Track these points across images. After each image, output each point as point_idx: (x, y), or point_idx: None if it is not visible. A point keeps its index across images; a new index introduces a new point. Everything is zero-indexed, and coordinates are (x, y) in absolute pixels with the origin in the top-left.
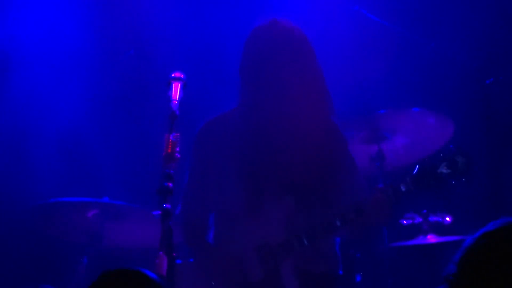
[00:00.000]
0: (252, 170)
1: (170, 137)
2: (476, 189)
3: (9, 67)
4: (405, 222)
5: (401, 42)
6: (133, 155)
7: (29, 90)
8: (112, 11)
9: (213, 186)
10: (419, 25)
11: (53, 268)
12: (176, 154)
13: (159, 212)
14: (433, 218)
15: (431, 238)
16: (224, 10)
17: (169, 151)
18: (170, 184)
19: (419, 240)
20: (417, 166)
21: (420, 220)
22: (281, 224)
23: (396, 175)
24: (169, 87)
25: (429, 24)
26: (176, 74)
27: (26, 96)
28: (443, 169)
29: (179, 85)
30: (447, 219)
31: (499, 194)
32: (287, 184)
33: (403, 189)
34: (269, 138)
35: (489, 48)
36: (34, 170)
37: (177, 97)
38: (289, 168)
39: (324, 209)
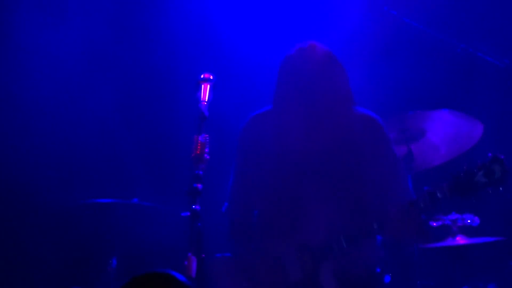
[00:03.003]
0: (294, 175)
1: (199, 138)
2: (505, 190)
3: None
4: (434, 224)
5: (430, 43)
6: (162, 157)
7: (59, 92)
8: (143, 11)
9: (256, 184)
10: (448, 26)
11: (82, 268)
12: (205, 155)
13: (188, 214)
14: (462, 220)
15: (460, 240)
16: (254, 13)
17: (198, 152)
18: (199, 185)
19: (448, 242)
20: (454, 174)
21: (449, 221)
22: (322, 226)
23: (432, 180)
24: (198, 88)
25: (458, 25)
26: (205, 75)
27: (56, 98)
28: (480, 178)
29: (208, 86)
30: (476, 220)
31: None
32: (328, 188)
33: (439, 196)
34: (308, 143)
35: None
36: (64, 172)
37: (206, 98)
38: (329, 172)
39: (366, 213)
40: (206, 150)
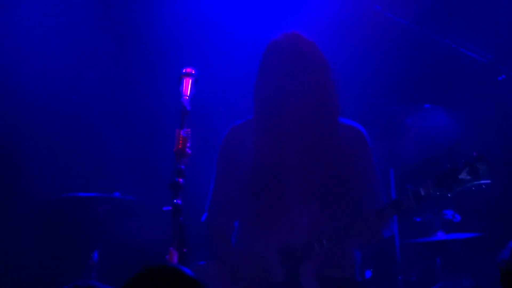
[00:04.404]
0: (276, 176)
1: (181, 133)
2: (489, 187)
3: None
4: (419, 219)
5: (414, 38)
6: (144, 151)
7: (41, 84)
8: (125, 5)
9: (237, 192)
10: (432, 21)
11: (63, 262)
12: (187, 149)
13: (170, 208)
14: (444, 216)
15: (441, 235)
16: (236, 6)
17: (180, 146)
18: (181, 180)
19: (429, 237)
20: (438, 170)
21: (431, 217)
22: (304, 228)
23: (415, 175)
24: (180, 82)
25: (442, 20)
26: (187, 70)
27: (38, 90)
28: (464, 175)
29: (190, 80)
30: (457, 216)
31: (510, 191)
32: (310, 189)
33: (422, 193)
34: (290, 144)
35: (501, 45)
36: (45, 165)
37: (188, 92)
38: (311, 174)
39: (347, 214)
40: (188, 144)
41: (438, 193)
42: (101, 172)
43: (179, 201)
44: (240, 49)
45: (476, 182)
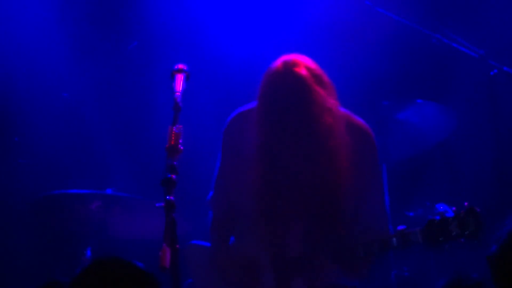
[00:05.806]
0: (275, 182)
1: (174, 129)
2: (481, 181)
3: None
4: (411, 214)
5: (405, 33)
6: (136, 147)
7: (32, 80)
8: (120, 2)
9: (236, 188)
10: (423, 17)
11: (56, 259)
12: (180, 146)
13: (162, 204)
14: (436, 210)
15: None
16: (230, 3)
17: (172, 143)
18: (174, 176)
19: None
20: (428, 220)
21: (423, 212)
22: (299, 239)
23: (407, 173)
24: (172, 79)
25: (433, 16)
26: (179, 66)
27: (29, 86)
28: (454, 228)
29: (182, 77)
30: (450, 211)
31: (503, 187)
32: (308, 200)
33: (412, 239)
34: (292, 152)
35: (493, 40)
36: (38, 162)
37: (180, 88)
38: (311, 184)
39: (343, 229)
40: (180, 140)
41: (426, 244)
42: (94, 168)
43: (171, 198)
44: (234, 46)
45: (465, 238)
